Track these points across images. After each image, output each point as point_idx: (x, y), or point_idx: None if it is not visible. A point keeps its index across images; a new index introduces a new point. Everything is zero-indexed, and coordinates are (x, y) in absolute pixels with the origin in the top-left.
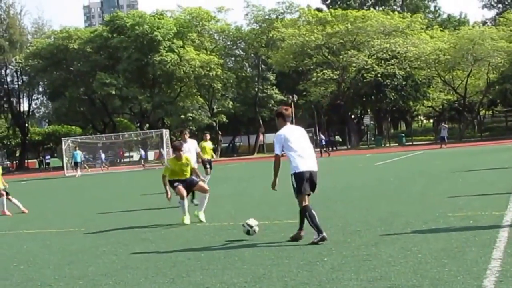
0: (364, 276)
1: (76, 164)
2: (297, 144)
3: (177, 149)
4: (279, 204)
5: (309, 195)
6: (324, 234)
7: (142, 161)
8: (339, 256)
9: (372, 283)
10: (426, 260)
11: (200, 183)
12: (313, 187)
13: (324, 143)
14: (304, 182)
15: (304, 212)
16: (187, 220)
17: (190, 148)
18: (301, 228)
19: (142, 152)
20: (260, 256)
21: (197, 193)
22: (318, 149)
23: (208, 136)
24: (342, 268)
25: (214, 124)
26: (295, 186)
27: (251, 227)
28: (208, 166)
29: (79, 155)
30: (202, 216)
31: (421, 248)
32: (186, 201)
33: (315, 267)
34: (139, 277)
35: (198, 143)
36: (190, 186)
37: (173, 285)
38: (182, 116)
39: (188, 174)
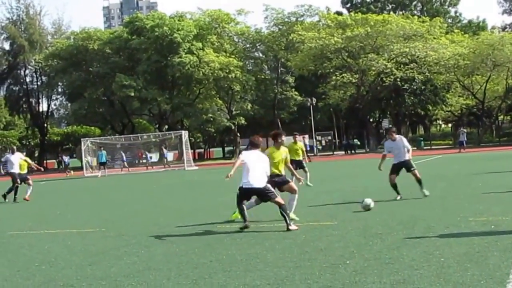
0: (387, 279)
1: (102, 164)
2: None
3: (277, 135)
4: (301, 206)
5: None
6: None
7: (165, 160)
8: (361, 259)
9: (395, 286)
10: (449, 264)
11: (291, 183)
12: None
13: (309, 148)
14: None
15: None
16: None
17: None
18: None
19: (165, 152)
20: (282, 258)
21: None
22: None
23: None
24: (365, 271)
25: (233, 126)
26: None
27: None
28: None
29: (104, 155)
30: (294, 216)
31: (443, 252)
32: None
33: (337, 270)
34: (161, 278)
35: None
36: (280, 185)
37: (196, 287)
38: (204, 116)
39: (281, 170)
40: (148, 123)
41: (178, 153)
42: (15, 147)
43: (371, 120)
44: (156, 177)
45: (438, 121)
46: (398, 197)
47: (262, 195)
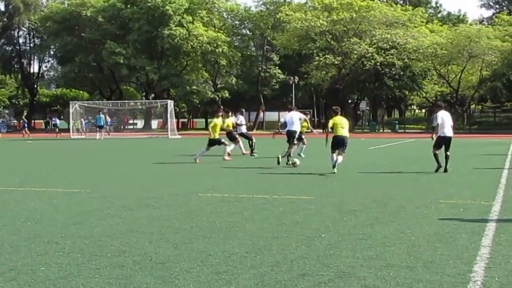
0: (360, 254)
1: (100, 127)
2: None
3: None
4: (278, 179)
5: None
6: None
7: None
8: (336, 233)
9: (368, 261)
10: (419, 243)
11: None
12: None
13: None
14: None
15: None
16: None
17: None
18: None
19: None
20: (261, 228)
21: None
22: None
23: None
24: (339, 245)
25: (217, 98)
26: None
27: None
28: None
29: (102, 119)
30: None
31: (414, 231)
32: None
33: (313, 242)
34: (143, 241)
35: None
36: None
37: (177, 251)
38: (187, 89)
39: None
40: (136, 90)
41: (162, 121)
42: None
43: (350, 101)
44: (140, 143)
45: (413, 106)
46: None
47: None
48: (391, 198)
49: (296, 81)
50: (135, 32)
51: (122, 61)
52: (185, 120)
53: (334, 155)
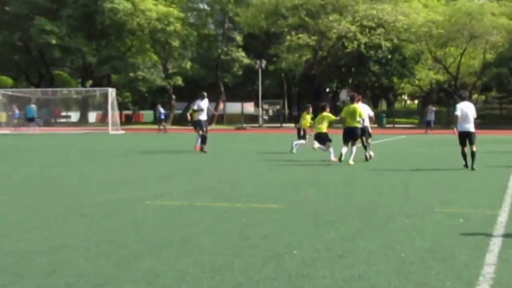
0: (339, 274)
1: (30, 119)
2: None
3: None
4: (242, 183)
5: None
6: None
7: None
8: (311, 249)
9: (349, 283)
10: (411, 260)
11: None
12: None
13: (163, 117)
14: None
15: None
16: None
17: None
18: None
19: (161, 110)
20: (220, 243)
21: None
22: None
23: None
24: (314, 264)
25: (168, 86)
26: None
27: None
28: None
29: (34, 110)
30: None
31: (405, 246)
32: None
33: (283, 260)
34: (78, 258)
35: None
36: None
37: (119, 271)
38: (131, 74)
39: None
40: (70, 76)
41: (102, 113)
42: None
43: (327, 90)
44: (76, 140)
45: (403, 96)
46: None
47: None
48: (377, 207)
49: (263, 65)
50: (69, 6)
51: (54, 41)
52: (130, 112)
53: (345, 148)
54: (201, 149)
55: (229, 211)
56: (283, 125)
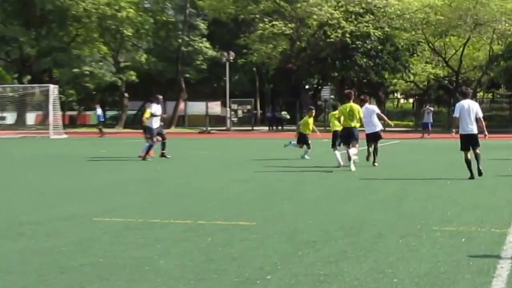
0: None
1: None
2: None
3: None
4: (206, 197)
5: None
6: None
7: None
8: (288, 274)
9: None
10: (404, 286)
11: None
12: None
13: (102, 119)
14: None
15: None
16: None
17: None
18: None
19: (99, 111)
20: (180, 267)
21: None
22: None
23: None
24: None
25: (119, 83)
26: None
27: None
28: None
29: None
30: None
31: (398, 270)
32: None
33: (255, 287)
34: (14, 284)
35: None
36: None
37: None
38: (77, 69)
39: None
40: (5, 71)
41: (42, 114)
42: None
43: (307, 87)
44: (12, 145)
45: (396, 95)
46: None
47: None
48: (365, 224)
49: (231, 58)
50: None
51: None
52: (74, 113)
53: (337, 152)
54: (162, 155)
55: (190, 229)
56: (255, 128)
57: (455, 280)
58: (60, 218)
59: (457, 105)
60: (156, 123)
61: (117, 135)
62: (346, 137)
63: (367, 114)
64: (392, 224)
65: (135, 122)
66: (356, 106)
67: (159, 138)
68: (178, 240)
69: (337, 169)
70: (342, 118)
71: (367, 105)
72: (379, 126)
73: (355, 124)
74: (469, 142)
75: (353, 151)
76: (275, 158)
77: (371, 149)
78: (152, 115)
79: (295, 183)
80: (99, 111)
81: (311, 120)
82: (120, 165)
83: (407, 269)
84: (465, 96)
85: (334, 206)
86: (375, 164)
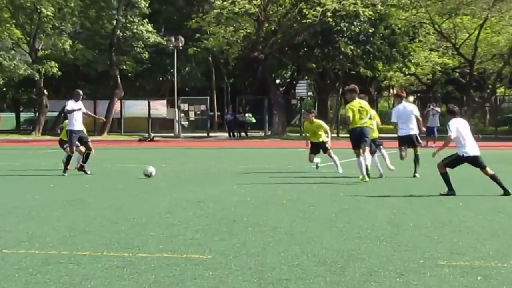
0: None
1: None
2: None
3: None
4: (149, 222)
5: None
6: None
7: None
8: None
9: None
10: None
11: None
12: None
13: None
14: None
15: None
16: None
17: None
18: None
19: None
20: None
21: None
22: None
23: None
24: None
25: (37, 77)
26: None
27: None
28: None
29: None
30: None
31: None
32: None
33: None
34: None
35: None
36: None
37: None
38: None
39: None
40: None
41: None
42: None
43: (278, 81)
44: None
45: (392, 91)
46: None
47: None
48: (352, 258)
49: (180, 45)
50: None
51: None
52: None
53: (362, 158)
54: (81, 168)
55: (129, 264)
56: (212, 134)
57: None
58: None
59: (451, 123)
60: (77, 125)
61: (33, 144)
62: (357, 136)
63: (404, 114)
64: (388, 258)
65: (55, 127)
66: (365, 102)
67: (82, 148)
68: (113, 279)
69: (314, 187)
70: (351, 117)
71: (404, 102)
72: (415, 129)
73: (365, 124)
74: (470, 162)
75: (368, 157)
76: (237, 173)
77: (404, 154)
78: (68, 112)
79: (262, 205)
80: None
81: (311, 127)
82: (37, 182)
83: None
84: (454, 114)
85: (312, 235)
86: (416, 175)
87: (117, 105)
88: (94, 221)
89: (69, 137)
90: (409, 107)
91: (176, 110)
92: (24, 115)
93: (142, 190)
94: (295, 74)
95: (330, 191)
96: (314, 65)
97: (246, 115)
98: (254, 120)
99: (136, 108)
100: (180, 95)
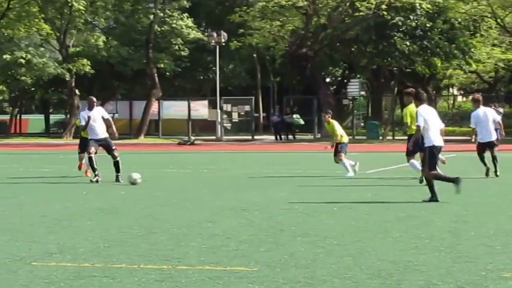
0: None
1: None
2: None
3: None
4: (189, 232)
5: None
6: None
7: None
8: None
9: None
10: None
11: None
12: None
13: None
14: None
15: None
16: None
17: None
18: None
19: None
20: None
21: None
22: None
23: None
24: None
25: (68, 76)
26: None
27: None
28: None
29: None
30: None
31: None
32: None
33: None
34: None
35: None
36: None
37: None
38: (7, 56)
39: None
40: None
41: None
42: None
43: (328, 80)
44: None
45: (451, 90)
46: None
47: None
48: (408, 270)
49: (223, 41)
50: None
51: None
52: (6, 117)
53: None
54: (116, 179)
55: (168, 278)
56: (256, 137)
57: None
58: None
59: (473, 114)
60: (99, 133)
61: (64, 148)
62: (418, 144)
63: (484, 119)
64: (447, 270)
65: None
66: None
67: (93, 149)
68: None
69: (368, 194)
70: (409, 123)
71: (483, 107)
72: (494, 135)
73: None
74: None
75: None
76: (284, 179)
77: (486, 160)
78: (83, 128)
79: (312, 213)
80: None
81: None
82: (68, 189)
83: None
84: (478, 102)
85: (365, 245)
86: (498, 174)
87: (154, 106)
88: (130, 231)
89: (84, 143)
90: (489, 112)
91: (218, 111)
92: (54, 117)
93: (182, 198)
94: (347, 72)
95: (385, 198)
96: (367, 62)
97: (294, 116)
98: (302, 122)
99: (175, 109)
100: (222, 95)
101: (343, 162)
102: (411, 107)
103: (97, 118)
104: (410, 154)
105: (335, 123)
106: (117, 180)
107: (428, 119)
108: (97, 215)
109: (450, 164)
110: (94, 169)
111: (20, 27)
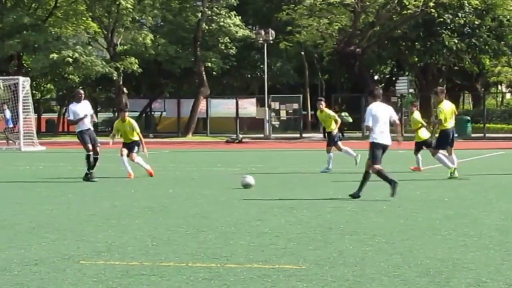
0: None
1: None
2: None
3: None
4: (237, 230)
5: None
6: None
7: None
8: None
9: None
10: None
11: None
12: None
13: (10, 124)
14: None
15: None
16: None
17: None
18: None
19: (7, 114)
20: None
21: None
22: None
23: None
24: None
25: (115, 75)
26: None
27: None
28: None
29: None
30: None
31: None
32: None
33: None
34: None
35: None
36: None
37: None
38: (55, 55)
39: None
40: None
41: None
42: None
43: (376, 77)
44: None
45: (500, 88)
46: None
47: None
48: (457, 268)
49: (270, 39)
50: None
51: None
52: (54, 116)
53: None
54: (88, 177)
55: (217, 276)
56: (305, 135)
57: None
58: (33, 260)
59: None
60: (86, 125)
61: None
62: (451, 139)
63: None
64: (496, 268)
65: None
66: (451, 105)
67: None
68: None
69: (416, 192)
70: (442, 119)
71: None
72: None
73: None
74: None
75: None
76: (332, 177)
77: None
78: (72, 123)
79: (360, 211)
80: (7, 113)
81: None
82: (116, 188)
83: None
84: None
85: (414, 243)
86: None
87: (202, 104)
88: (178, 229)
89: (81, 138)
90: None
91: (267, 109)
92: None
93: (230, 196)
94: (395, 69)
95: (434, 196)
96: (415, 60)
97: (342, 114)
98: (350, 120)
99: (223, 107)
100: (270, 93)
101: (345, 149)
102: (443, 104)
103: (86, 111)
104: (437, 147)
105: (330, 112)
106: (86, 177)
107: (378, 117)
108: (145, 214)
109: (497, 161)
110: (89, 167)
111: (68, 25)
